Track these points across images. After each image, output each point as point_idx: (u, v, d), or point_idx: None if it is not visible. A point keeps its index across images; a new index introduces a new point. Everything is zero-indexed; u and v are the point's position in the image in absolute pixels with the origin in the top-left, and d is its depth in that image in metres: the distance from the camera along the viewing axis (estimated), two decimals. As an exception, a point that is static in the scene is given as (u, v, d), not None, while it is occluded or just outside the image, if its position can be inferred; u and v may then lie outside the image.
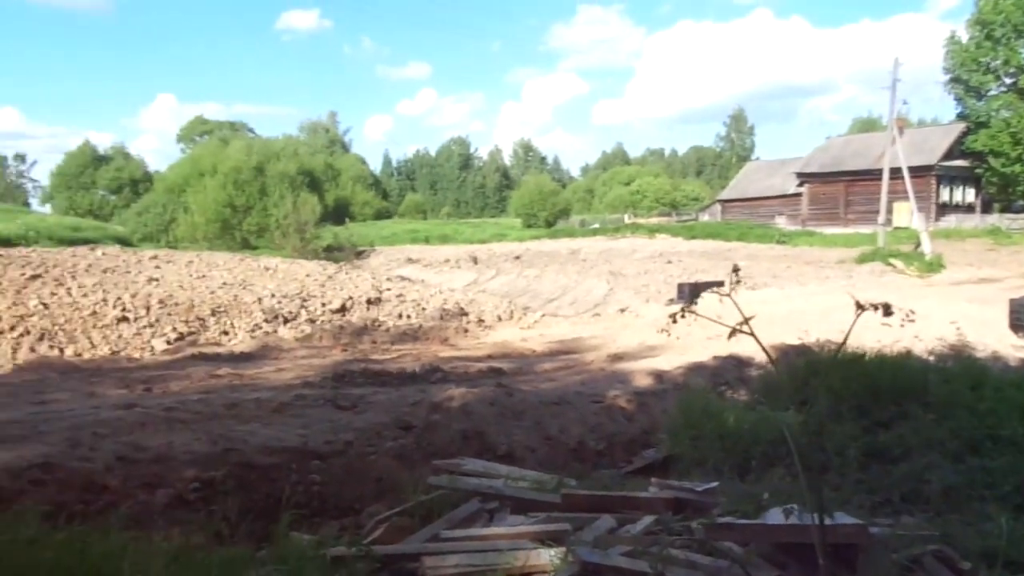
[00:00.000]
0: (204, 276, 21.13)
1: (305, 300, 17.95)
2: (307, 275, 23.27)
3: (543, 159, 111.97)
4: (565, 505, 4.09)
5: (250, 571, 3.21)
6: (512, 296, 23.59)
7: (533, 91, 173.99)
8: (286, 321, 15.86)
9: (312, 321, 16.10)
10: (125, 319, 14.29)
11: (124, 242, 38.98)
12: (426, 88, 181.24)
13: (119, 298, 15.92)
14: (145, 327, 14.03)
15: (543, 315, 18.97)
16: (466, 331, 16.45)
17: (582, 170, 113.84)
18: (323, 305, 17.50)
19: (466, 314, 17.85)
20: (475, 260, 36.76)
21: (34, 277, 17.96)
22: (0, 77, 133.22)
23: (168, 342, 13.42)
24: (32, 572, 2.63)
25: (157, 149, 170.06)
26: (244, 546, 3.82)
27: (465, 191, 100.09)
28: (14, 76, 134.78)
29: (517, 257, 37.34)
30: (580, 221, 63.41)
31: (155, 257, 27.79)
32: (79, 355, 12.11)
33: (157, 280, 19.50)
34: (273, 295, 18.23)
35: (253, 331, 14.84)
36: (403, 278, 27.47)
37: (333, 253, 41.02)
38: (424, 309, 18.15)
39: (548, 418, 7.20)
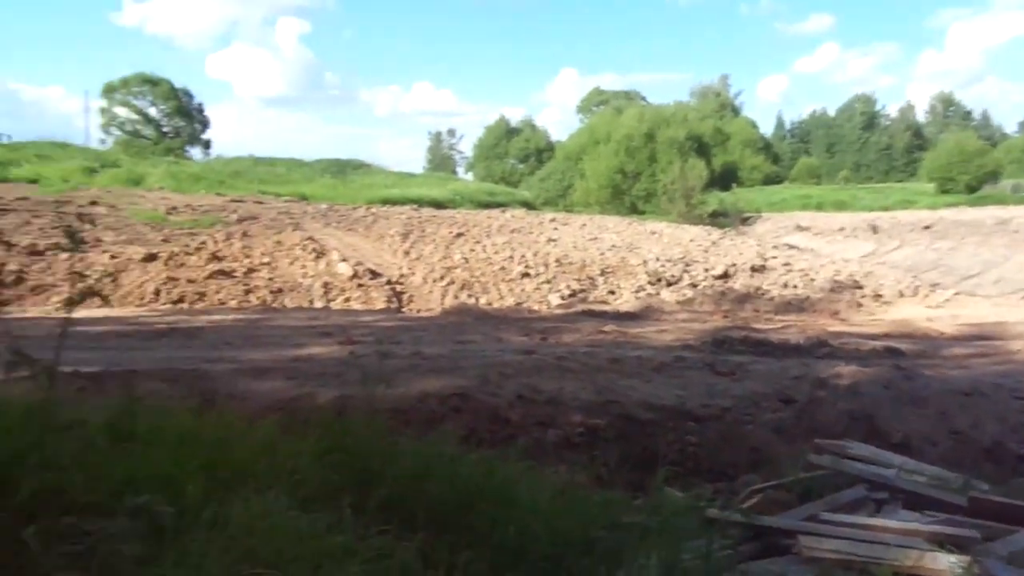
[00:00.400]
0: (595, 238, 22.52)
1: (688, 265, 18.14)
2: (691, 240, 23.44)
3: (967, 114, 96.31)
4: (972, 510, 3.58)
5: (626, 516, 3.39)
6: (918, 270, 21.00)
7: (960, 35, 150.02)
8: (669, 284, 16.22)
9: (694, 286, 16.22)
10: (527, 275, 15.94)
11: (528, 206, 43.19)
12: (828, 42, 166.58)
13: (523, 256, 17.79)
14: (543, 283, 15.49)
15: (956, 293, 16.59)
16: (860, 305, 15.13)
17: (1020, 126, 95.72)
18: (706, 271, 17.50)
19: (861, 287, 16.41)
20: (874, 229, 33.33)
21: (459, 235, 20.93)
22: (439, 63, 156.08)
23: (562, 297, 14.63)
24: (449, 484, 3.10)
25: (559, 120, 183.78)
26: (621, 492, 4.04)
27: (867, 153, 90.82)
28: (450, 62, 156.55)
29: (927, 227, 32.98)
30: (1013, 186, 53.45)
31: (554, 220, 30.32)
32: (490, 304, 13.83)
33: (555, 241, 21.34)
34: (657, 259, 18.74)
35: (637, 292, 15.46)
36: (791, 246, 26.15)
37: (718, 219, 40.52)
38: (812, 280, 17.10)
39: (955, 409, 6.32)
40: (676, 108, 66.29)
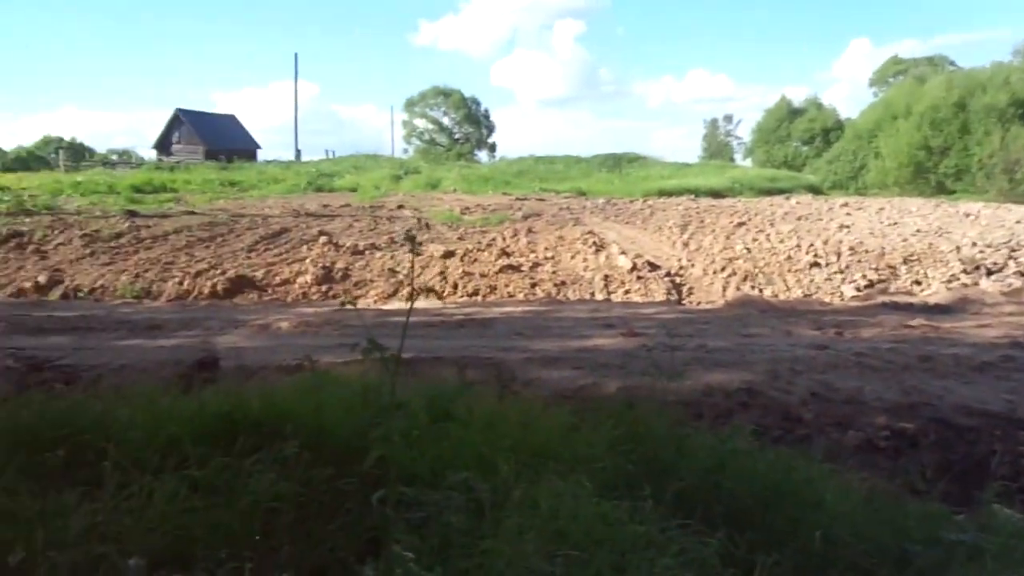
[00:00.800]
0: (895, 223, 20.54)
1: (1014, 250, 15.87)
2: (1017, 222, 20.54)
3: None
4: None
5: (948, 532, 3.05)
6: None
7: None
8: (989, 273, 14.26)
9: (1022, 274, 14.08)
10: (816, 264, 14.94)
11: (815, 190, 40.48)
12: None
13: (811, 244, 16.72)
14: (835, 273, 14.40)
15: None
16: None
17: None
18: (1038, 256, 15.14)
19: None
20: None
21: (739, 224, 20.24)
22: (715, 49, 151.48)
23: (857, 289, 13.48)
24: (746, 480, 3.01)
25: (849, 96, 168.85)
26: (939, 505, 3.64)
27: None
28: (726, 46, 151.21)
29: None
30: None
31: (845, 205, 28.13)
32: (775, 296, 13.15)
33: (847, 227, 19.77)
34: (974, 244, 16.63)
35: (949, 282, 13.79)
36: None
37: (1053, 196, 34.73)
38: None
39: None
40: (994, 70, 57.44)
